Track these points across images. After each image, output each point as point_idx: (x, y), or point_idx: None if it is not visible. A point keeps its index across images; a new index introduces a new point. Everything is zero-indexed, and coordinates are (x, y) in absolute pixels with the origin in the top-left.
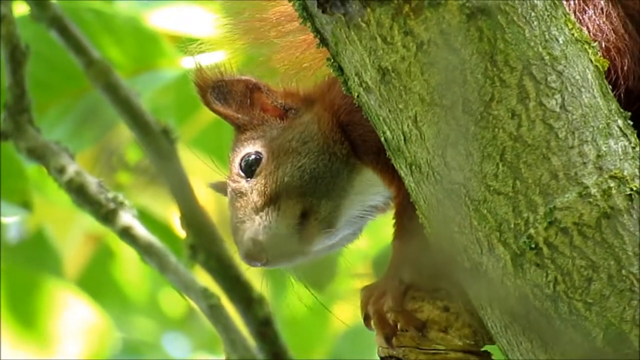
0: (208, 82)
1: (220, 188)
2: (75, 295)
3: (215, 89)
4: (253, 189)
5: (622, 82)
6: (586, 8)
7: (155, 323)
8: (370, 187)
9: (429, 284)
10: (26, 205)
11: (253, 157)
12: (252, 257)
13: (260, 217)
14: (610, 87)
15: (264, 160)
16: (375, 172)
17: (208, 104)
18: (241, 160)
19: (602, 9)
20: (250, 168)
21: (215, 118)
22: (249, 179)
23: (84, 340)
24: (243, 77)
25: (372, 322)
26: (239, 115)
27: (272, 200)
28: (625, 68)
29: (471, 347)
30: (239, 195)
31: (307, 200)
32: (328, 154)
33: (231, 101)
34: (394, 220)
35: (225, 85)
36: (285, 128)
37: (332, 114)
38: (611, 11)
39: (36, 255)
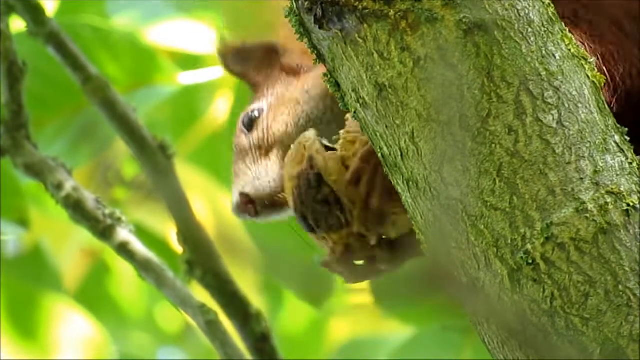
0: (229, 49)
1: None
2: (73, 308)
3: (236, 54)
4: (251, 143)
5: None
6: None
7: (151, 338)
8: None
9: None
10: (23, 222)
11: (255, 112)
12: (240, 210)
13: (252, 170)
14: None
15: (263, 114)
16: None
17: (226, 68)
18: (244, 116)
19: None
20: (250, 122)
21: (212, 133)
22: (248, 133)
23: (81, 353)
24: (263, 43)
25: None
26: (256, 75)
27: (266, 151)
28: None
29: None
30: (239, 149)
31: None
32: (331, 97)
33: (250, 63)
34: None
35: (243, 51)
36: (292, 82)
37: None
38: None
39: (34, 269)
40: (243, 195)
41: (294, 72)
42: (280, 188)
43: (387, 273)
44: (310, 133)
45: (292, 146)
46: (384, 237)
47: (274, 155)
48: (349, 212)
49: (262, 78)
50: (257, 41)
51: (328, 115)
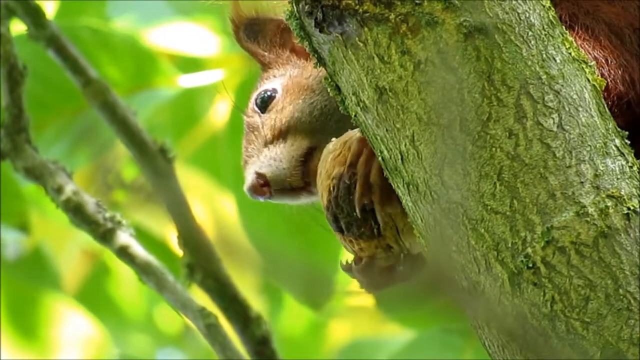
0: (242, 19)
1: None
2: (74, 309)
3: (248, 27)
4: (264, 123)
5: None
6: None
7: (150, 339)
8: None
9: None
10: (24, 227)
11: (269, 93)
12: (254, 191)
13: (268, 150)
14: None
15: (278, 96)
16: None
17: (239, 41)
18: (257, 96)
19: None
20: (264, 103)
21: (212, 135)
22: (262, 114)
23: (82, 353)
24: (276, 17)
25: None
26: (266, 53)
27: (280, 134)
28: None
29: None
30: (251, 129)
31: (315, 137)
32: (337, 100)
33: (262, 39)
34: None
35: (258, 23)
36: (306, 67)
37: None
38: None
39: (34, 272)
40: (260, 175)
41: (305, 55)
42: (293, 174)
43: (402, 284)
44: (356, 134)
45: (334, 141)
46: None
47: (289, 141)
48: (383, 223)
49: (273, 57)
50: (271, 15)
51: (339, 113)
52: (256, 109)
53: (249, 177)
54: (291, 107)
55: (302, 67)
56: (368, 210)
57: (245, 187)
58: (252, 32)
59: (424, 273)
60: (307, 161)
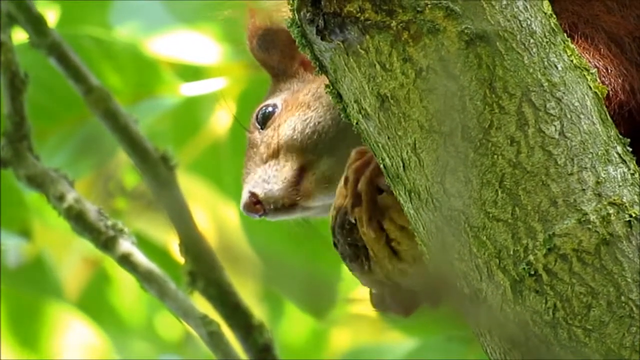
0: (257, 29)
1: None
2: (75, 317)
3: (262, 37)
4: (262, 140)
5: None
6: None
7: (151, 346)
8: None
9: None
10: (26, 233)
11: (269, 109)
12: (248, 209)
13: (262, 170)
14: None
15: (277, 112)
16: None
17: (252, 50)
18: (259, 111)
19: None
20: (264, 119)
21: (213, 143)
22: (261, 130)
23: None
24: (287, 29)
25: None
26: (276, 65)
27: (275, 153)
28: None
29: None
30: (251, 145)
31: (307, 156)
32: (338, 108)
33: (274, 50)
34: None
35: (271, 33)
36: (310, 81)
37: None
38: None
39: (36, 279)
40: (252, 194)
41: (311, 69)
42: (285, 194)
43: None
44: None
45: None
46: None
47: (282, 160)
48: (373, 260)
49: (282, 69)
50: (283, 26)
51: (333, 130)
52: (257, 124)
53: (244, 195)
54: (285, 125)
55: (306, 81)
56: (360, 247)
57: (240, 205)
58: (265, 43)
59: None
60: (299, 180)
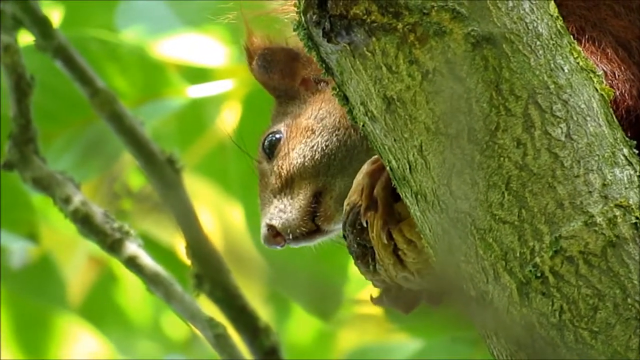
0: (257, 49)
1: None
2: (80, 322)
3: (261, 57)
4: (272, 171)
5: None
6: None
7: (157, 346)
8: None
9: None
10: (32, 236)
11: (275, 137)
12: (269, 242)
13: (277, 201)
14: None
15: (282, 139)
16: None
17: (252, 71)
18: (264, 139)
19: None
20: (271, 148)
21: (219, 145)
22: (269, 159)
23: None
24: (286, 46)
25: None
26: (277, 86)
27: (287, 183)
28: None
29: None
30: (262, 176)
31: (321, 180)
32: (344, 128)
33: (274, 70)
34: None
35: (270, 53)
36: (311, 103)
37: None
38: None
39: (40, 281)
40: (270, 227)
41: (312, 88)
42: (302, 223)
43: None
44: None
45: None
46: None
47: (295, 189)
48: (378, 263)
49: (283, 90)
50: (282, 44)
51: (342, 151)
52: (264, 154)
53: (263, 229)
54: (293, 153)
55: (307, 102)
56: (368, 247)
57: (261, 239)
58: (265, 63)
59: (432, 282)
60: (317, 206)
